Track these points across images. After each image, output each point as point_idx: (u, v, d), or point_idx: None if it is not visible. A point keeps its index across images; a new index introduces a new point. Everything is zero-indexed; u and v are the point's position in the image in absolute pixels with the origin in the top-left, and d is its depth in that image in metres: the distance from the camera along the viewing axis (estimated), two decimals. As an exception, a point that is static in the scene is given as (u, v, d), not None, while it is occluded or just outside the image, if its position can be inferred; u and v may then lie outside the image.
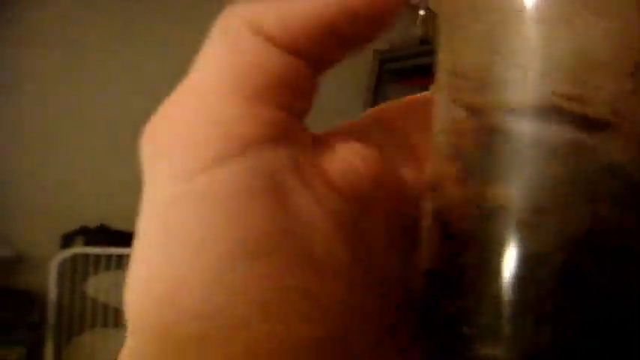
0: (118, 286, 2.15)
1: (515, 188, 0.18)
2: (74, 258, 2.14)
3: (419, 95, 0.25)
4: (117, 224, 2.27)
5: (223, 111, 0.20)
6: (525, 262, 0.18)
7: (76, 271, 2.13)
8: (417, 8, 2.12)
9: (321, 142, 0.22)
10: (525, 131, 0.18)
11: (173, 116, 0.21)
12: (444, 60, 0.21)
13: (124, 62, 2.35)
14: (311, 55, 0.21)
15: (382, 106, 0.25)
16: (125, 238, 2.24)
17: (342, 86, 2.48)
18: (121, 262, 2.17)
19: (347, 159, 0.21)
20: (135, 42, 2.37)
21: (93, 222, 2.25)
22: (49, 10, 2.26)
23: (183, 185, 0.20)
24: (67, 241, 2.21)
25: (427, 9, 1.90)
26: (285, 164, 0.20)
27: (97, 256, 2.16)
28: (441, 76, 0.21)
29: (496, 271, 0.18)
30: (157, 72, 2.36)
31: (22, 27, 2.24)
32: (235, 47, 0.20)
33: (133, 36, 2.37)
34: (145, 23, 2.38)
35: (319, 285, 0.19)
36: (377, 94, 2.51)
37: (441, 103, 0.21)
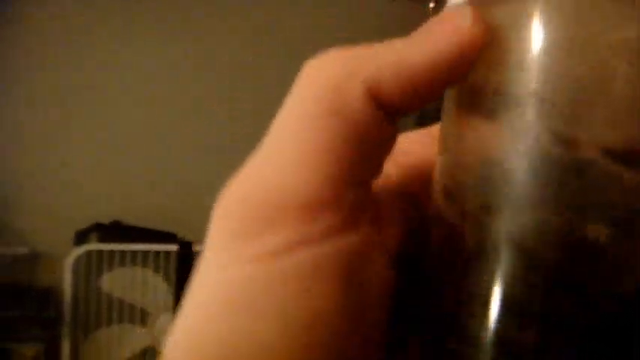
0: (134, 282, 2.16)
1: (611, 225, 0.19)
2: (89, 254, 2.15)
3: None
4: (130, 220, 2.28)
5: (308, 193, 0.20)
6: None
7: (90, 268, 2.14)
8: (427, 1, 2.12)
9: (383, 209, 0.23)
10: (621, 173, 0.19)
11: (253, 191, 0.22)
12: (515, 78, 0.21)
13: (135, 57, 2.35)
14: (404, 112, 0.22)
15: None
16: (139, 234, 2.26)
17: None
18: (136, 258, 2.18)
19: (404, 229, 0.23)
20: (145, 36, 2.37)
21: (106, 218, 2.26)
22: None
23: (264, 264, 0.20)
24: (81, 237, 2.22)
25: (436, 2, 1.88)
26: (359, 249, 0.21)
27: (112, 252, 2.17)
28: (507, 96, 0.21)
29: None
30: (173, 70, 2.37)
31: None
32: (346, 117, 0.20)
33: (145, 28, 2.37)
34: (159, 11, 2.37)
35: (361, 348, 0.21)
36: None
37: (501, 124, 0.21)
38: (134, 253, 2.18)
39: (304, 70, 0.22)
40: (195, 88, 2.38)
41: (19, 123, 2.24)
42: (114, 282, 2.16)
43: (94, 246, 2.18)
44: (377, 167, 0.22)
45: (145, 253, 2.19)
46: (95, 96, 2.31)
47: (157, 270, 2.20)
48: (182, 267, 2.21)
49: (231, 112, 2.41)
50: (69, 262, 2.12)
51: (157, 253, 2.20)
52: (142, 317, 2.19)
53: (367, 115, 0.21)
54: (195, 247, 2.24)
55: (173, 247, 2.22)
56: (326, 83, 0.21)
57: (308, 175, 0.20)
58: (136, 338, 2.18)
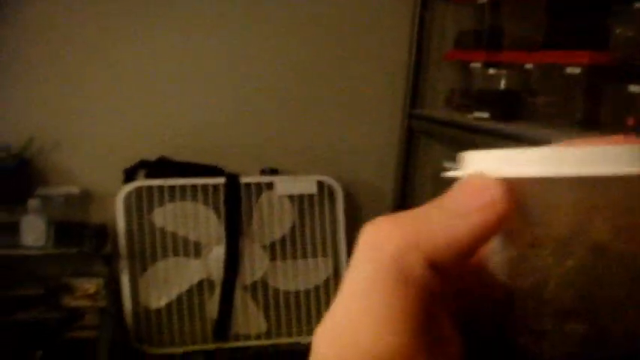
0: (185, 216, 2.19)
1: None
2: (138, 191, 2.18)
3: None
4: (176, 157, 2.29)
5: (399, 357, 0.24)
6: None
7: (141, 204, 2.17)
8: None
9: None
10: None
11: (347, 354, 0.25)
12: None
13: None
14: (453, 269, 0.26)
15: None
16: (185, 169, 2.27)
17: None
18: (185, 193, 2.20)
19: None
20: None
21: (152, 156, 2.27)
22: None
23: None
24: (129, 175, 2.24)
25: None
26: None
27: (161, 188, 2.19)
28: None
29: None
30: (219, 10, 2.35)
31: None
32: (413, 284, 0.25)
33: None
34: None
35: None
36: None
37: None
38: (183, 187, 2.20)
39: (365, 237, 0.26)
40: (240, 29, 2.36)
41: (67, 65, 2.24)
42: (165, 217, 2.19)
43: (142, 182, 2.20)
44: (441, 317, 0.26)
45: (194, 187, 2.21)
46: (141, 37, 2.30)
47: (206, 203, 2.22)
48: (230, 199, 2.22)
49: (271, 52, 2.38)
50: (120, 198, 2.15)
51: (205, 186, 2.22)
52: (196, 250, 2.22)
53: (428, 279, 0.25)
54: (242, 179, 2.25)
55: (220, 180, 2.23)
56: (391, 254, 0.25)
57: (395, 340, 0.24)
58: (191, 270, 2.22)
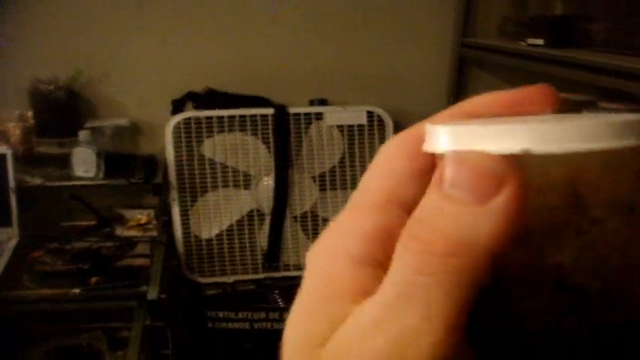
0: (234, 147, 2.19)
1: None
2: (187, 122, 2.17)
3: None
4: (223, 88, 2.28)
5: None
6: None
7: (190, 135, 2.17)
8: None
9: None
10: None
11: None
12: None
13: None
14: None
15: None
16: (233, 101, 2.26)
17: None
18: (233, 124, 2.19)
19: None
20: None
21: (200, 87, 2.26)
22: None
23: None
24: (178, 106, 2.24)
25: None
26: None
27: (209, 119, 2.18)
28: None
29: None
30: None
31: None
32: None
33: None
34: None
35: None
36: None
37: None
38: (231, 118, 2.19)
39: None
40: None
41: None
42: (214, 148, 2.19)
43: (190, 113, 2.20)
44: None
45: (242, 118, 2.20)
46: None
47: (255, 134, 2.21)
48: (279, 129, 2.21)
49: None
50: (168, 130, 2.15)
51: (254, 117, 2.21)
52: (245, 181, 2.23)
53: None
54: (291, 110, 2.23)
55: (269, 111, 2.21)
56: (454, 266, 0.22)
57: None
58: (241, 201, 2.23)
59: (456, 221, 0.22)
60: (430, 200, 0.23)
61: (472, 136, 0.23)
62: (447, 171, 0.22)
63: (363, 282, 0.24)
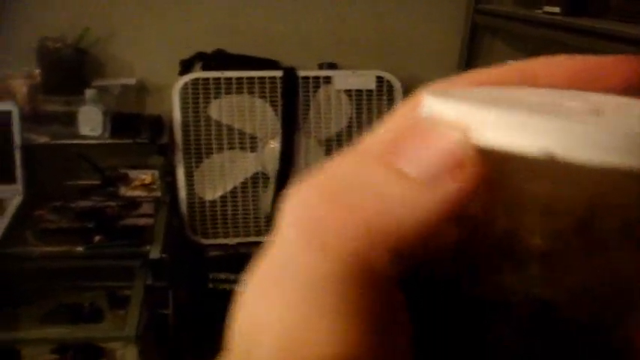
0: (241, 109, 2.17)
1: None
2: (195, 83, 2.16)
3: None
4: (232, 49, 2.26)
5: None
6: None
7: (197, 96, 2.16)
8: None
9: None
10: None
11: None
12: None
13: None
14: None
15: None
16: (242, 62, 2.24)
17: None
18: (241, 86, 2.17)
19: None
20: None
21: (209, 48, 2.24)
22: None
23: None
24: (186, 67, 2.22)
25: None
26: None
27: (217, 80, 2.17)
28: None
29: None
30: None
31: None
32: (379, 289, 0.20)
33: None
34: None
35: None
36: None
37: None
38: (240, 80, 2.17)
39: (297, 217, 0.20)
40: None
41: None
42: (222, 109, 2.17)
43: (198, 74, 2.18)
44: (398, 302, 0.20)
45: (250, 79, 2.18)
46: None
47: (263, 96, 2.19)
48: (287, 92, 2.19)
49: None
50: (176, 90, 2.14)
51: (262, 79, 2.18)
52: (251, 143, 2.21)
53: (392, 273, 0.19)
54: (300, 73, 2.20)
55: (278, 73, 2.19)
56: (346, 251, 0.19)
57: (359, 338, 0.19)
58: (247, 163, 2.22)
59: (383, 201, 0.19)
60: (366, 167, 0.20)
61: (462, 110, 0.19)
62: (410, 141, 0.19)
63: None
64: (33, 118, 2.07)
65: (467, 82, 0.23)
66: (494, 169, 0.19)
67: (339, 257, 0.19)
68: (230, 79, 2.17)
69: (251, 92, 2.18)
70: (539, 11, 2.02)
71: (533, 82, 0.23)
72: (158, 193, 2.04)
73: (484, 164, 0.18)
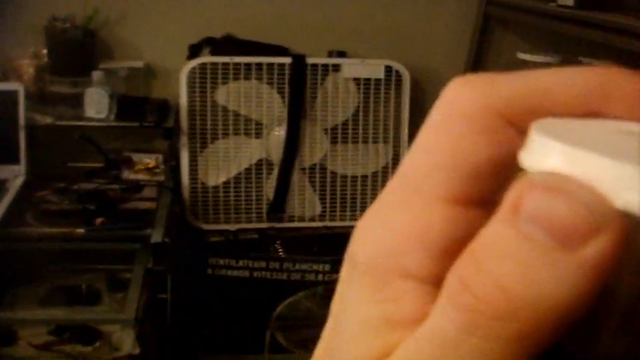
0: (248, 95, 2.16)
1: None
2: (202, 67, 2.14)
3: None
4: (242, 35, 2.24)
5: None
6: None
7: (205, 81, 2.14)
8: None
9: None
10: None
11: None
12: None
13: None
14: None
15: None
16: (251, 48, 2.23)
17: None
18: (250, 71, 2.16)
19: None
20: None
21: (219, 33, 2.23)
22: None
23: None
24: (194, 51, 2.21)
25: None
26: None
27: (225, 65, 2.15)
28: None
29: None
30: None
31: None
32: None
33: None
34: None
35: None
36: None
37: None
38: (248, 66, 2.16)
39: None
40: None
41: None
42: (229, 95, 2.16)
43: (207, 59, 2.16)
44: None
45: (259, 66, 2.16)
46: None
47: (270, 83, 2.17)
48: (295, 79, 2.17)
49: None
50: (183, 74, 2.13)
51: (271, 65, 2.17)
52: (257, 129, 2.20)
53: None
54: (308, 60, 2.19)
55: (286, 60, 2.17)
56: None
57: None
58: (251, 150, 2.21)
59: (526, 272, 0.16)
60: (494, 234, 0.17)
61: (589, 162, 0.17)
62: (529, 199, 0.16)
63: (424, 304, 0.18)
64: (39, 99, 2.07)
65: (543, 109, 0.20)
66: (628, 231, 0.16)
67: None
68: (238, 64, 2.15)
69: (259, 78, 2.17)
70: (553, 4, 1.99)
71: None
72: (161, 177, 2.03)
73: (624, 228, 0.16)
